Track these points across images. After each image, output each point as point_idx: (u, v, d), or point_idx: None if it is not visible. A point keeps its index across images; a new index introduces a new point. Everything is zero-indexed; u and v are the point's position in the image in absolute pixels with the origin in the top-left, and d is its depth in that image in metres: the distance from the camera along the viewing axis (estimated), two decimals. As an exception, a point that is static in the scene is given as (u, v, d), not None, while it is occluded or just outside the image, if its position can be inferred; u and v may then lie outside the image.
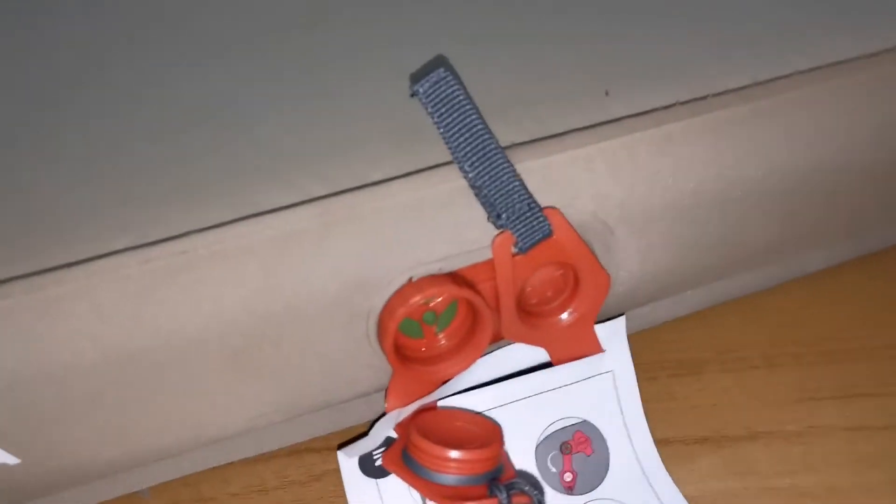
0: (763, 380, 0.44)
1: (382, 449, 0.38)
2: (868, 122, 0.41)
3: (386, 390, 0.38)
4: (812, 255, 0.48)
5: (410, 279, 0.34)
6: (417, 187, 0.35)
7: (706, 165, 0.39)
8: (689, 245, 0.41)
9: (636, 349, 0.43)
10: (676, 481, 0.40)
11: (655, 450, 0.41)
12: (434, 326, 0.37)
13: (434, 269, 0.34)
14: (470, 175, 0.34)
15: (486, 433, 0.37)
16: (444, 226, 0.34)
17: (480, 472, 0.34)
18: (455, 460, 0.34)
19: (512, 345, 0.39)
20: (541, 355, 0.40)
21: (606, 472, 0.40)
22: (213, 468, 0.41)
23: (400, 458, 0.36)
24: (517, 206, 0.34)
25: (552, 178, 0.37)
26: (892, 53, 0.41)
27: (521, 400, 0.39)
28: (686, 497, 0.40)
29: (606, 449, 0.40)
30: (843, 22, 0.41)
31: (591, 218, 0.36)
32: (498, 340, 0.38)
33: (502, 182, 0.34)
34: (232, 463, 0.41)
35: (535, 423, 0.41)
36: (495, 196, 0.33)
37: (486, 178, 0.34)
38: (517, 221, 0.34)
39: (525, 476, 0.38)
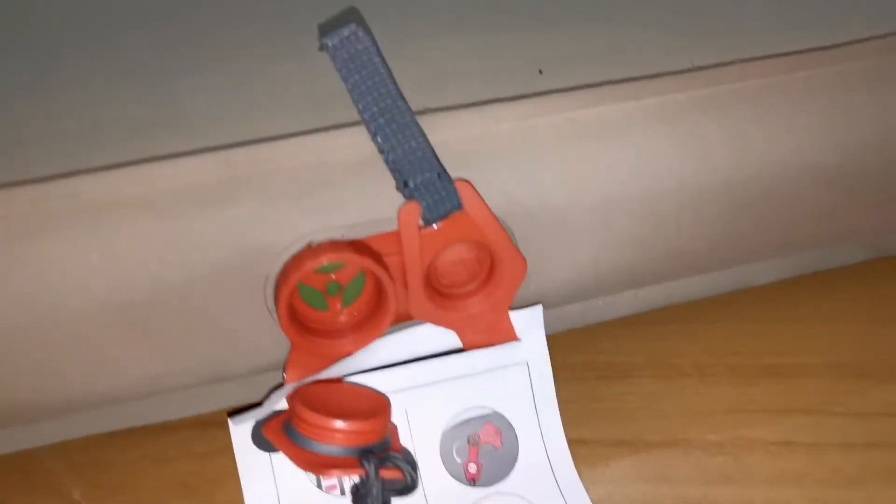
0: (693, 388, 0.43)
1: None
2: (821, 123, 0.39)
3: (285, 362, 0.37)
4: (760, 268, 0.46)
5: (310, 244, 0.33)
6: (324, 147, 0.34)
7: (643, 155, 0.37)
8: (625, 242, 0.39)
9: (566, 348, 0.43)
10: (586, 483, 0.38)
11: (567, 448, 0.39)
12: (339, 299, 0.36)
13: (337, 236, 0.33)
14: (377, 138, 0.33)
15: (371, 406, 0.35)
16: (350, 191, 0.33)
17: (360, 445, 0.33)
18: (333, 430, 0.33)
19: (422, 326, 0.37)
20: (454, 340, 0.38)
21: (513, 467, 0.38)
22: (114, 434, 0.40)
23: (282, 427, 0.34)
24: (425, 174, 0.33)
25: (471, 151, 0.36)
26: (842, 49, 0.39)
27: (430, 385, 0.38)
28: (594, 500, 0.38)
29: (516, 443, 0.38)
30: (797, 12, 0.40)
31: (510, 201, 0.35)
32: (407, 320, 0.37)
33: (410, 147, 0.33)
34: (134, 430, 0.40)
35: (442, 409, 0.39)
36: (402, 162, 0.32)
37: (394, 141, 0.33)
38: (424, 191, 0.33)
39: (406, 454, 0.36)
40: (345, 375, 0.37)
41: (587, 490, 0.38)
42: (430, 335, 0.37)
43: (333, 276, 0.35)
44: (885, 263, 0.48)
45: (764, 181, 0.38)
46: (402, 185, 0.32)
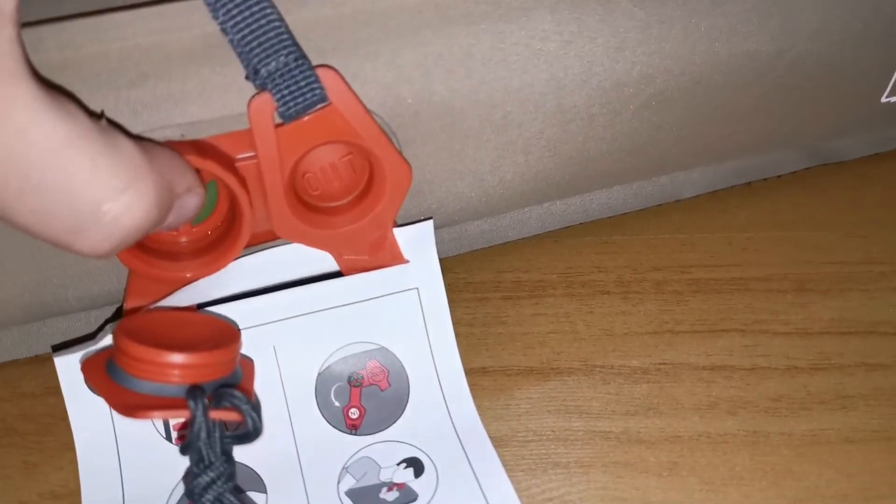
0: (614, 307, 0.38)
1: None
2: (753, 5, 0.34)
3: (125, 289, 0.32)
4: (688, 177, 0.42)
5: None
6: (155, 27, 0.28)
7: (547, 42, 0.32)
8: (530, 144, 0.34)
9: (468, 266, 0.39)
10: (488, 418, 0.34)
11: (465, 384, 0.34)
12: None
13: (175, 136, 0.28)
14: (218, 13, 0.27)
15: (214, 337, 0.29)
16: (191, 81, 0.28)
17: (193, 382, 0.27)
18: (158, 364, 0.27)
19: (290, 246, 0.33)
20: (329, 263, 0.34)
21: (402, 411, 0.34)
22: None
23: (104, 363, 0.29)
24: (280, 58, 0.27)
25: (339, 34, 0.29)
26: None
27: (301, 317, 0.33)
28: (496, 438, 0.33)
29: (406, 382, 0.34)
30: None
31: (388, 94, 0.30)
32: (271, 240, 0.33)
33: (259, 26, 0.27)
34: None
35: (317, 346, 0.33)
36: (250, 44, 0.27)
37: (238, 18, 0.27)
38: (279, 80, 0.28)
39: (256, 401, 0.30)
40: (198, 306, 0.32)
41: (489, 427, 0.33)
42: (301, 257, 0.33)
43: None
44: (827, 170, 0.44)
45: (687, 73, 0.34)
46: (252, 74, 0.27)
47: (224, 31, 0.27)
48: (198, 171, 0.27)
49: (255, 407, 0.27)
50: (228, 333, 0.30)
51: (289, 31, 0.27)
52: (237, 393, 0.27)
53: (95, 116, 0.23)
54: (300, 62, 0.27)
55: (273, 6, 0.27)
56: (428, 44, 0.30)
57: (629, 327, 0.38)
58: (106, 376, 0.28)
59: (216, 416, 0.27)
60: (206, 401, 0.27)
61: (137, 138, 0.25)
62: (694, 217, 0.42)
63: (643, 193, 0.41)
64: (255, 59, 0.27)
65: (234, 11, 0.26)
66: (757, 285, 0.39)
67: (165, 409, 0.26)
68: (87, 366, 0.29)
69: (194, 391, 0.27)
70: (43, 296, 0.32)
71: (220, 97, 0.28)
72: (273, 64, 0.27)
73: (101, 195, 0.22)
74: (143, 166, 0.23)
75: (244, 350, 0.32)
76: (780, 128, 0.39)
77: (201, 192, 0.27)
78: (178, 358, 0.27)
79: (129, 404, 0.26)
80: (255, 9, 0.27)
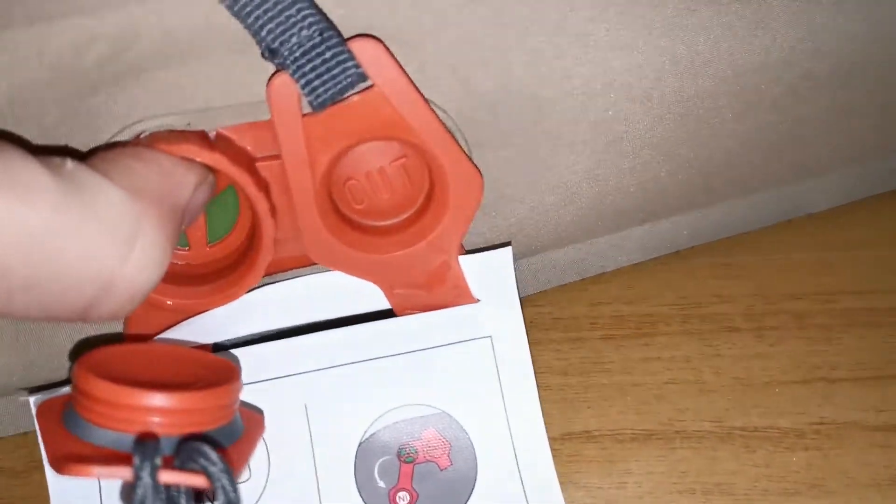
0: (747, 349, 0.32)
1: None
2: None
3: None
4: (822, 184, 0.35)
5: (139, 136, 0.24)
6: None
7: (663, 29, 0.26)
8: (637, 146, 0.28)
9: (555, 297, 0.33)
10: (599, 500, 0.28)
11: (552, 465, 0.27)
12: (202, 230, 0.26)
13: (180, 123, 0.24)
14: None
15: (206, 377, 0.23)
16: (204, 61, 0.23)
17: (160, 431, 0.21)
18: (115, 406, 0.21)
19: (328, 274, 0.27)
20: (377, 299, 0.28)
21: (467, 500, 0.27)
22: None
23: (63, 405, 0.23)
24: (301, 32, 0.22)
25: (398, 4, 0.23)
26: None
27: (340, 367, 0.27)
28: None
29: (473, 460, 0.27)
30: None
31: (457, 81, 0.25)
32: (303, 265, 0.27)
33: None
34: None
35: (359, 407, 0.27)
36: (261, 20, 0.22)
37: None
38: (302, 59, 0.22)
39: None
40: (214, 348, 0.27)
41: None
42: (341, 290, 0.27)
43: None
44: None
45: (840, 50, 0.28)
46: (268, 54, 0.22)
47: (228, 7, 0.22)
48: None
49: (231, 474, 0.20)
50: (223, 374, 0.24)
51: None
52: (209, 451, 0.20)
53: (54, 162, 0.19)
54: (326, 34, 0.22)
55: None
56: (506, 14, 0.24)
57: (770, 375, 0.31)
58: (59, 420, 0.22)
59: (171, 481, 0.20)
60: (159, 459, 0.20)
61: (117, 147, 0.22)
62: (831, 230, 0.36)
63: (766, 208, 0.35)
64: (270, 37, 0.22)
65: None
66: None
67: (105, 464, 0.20)
68: (45, 407, 0.23)
69: (144, 444, 0.20)
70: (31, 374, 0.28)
71: (239, 78, 0.23)
72: (294, 39, 0.22)
73: (103, 267, 0.19)
74: (136, 209, 0.20)
75: (270, 406, 0.27)
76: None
77: (211, 179, 0.23)
78: (138, 398, 0.20)
79: (65, 456, 0.20)
80: None
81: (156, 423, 0.21)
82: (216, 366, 0.24)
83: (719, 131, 0.29)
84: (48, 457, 0.21)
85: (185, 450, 0.21)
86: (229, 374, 0.23)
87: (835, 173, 0.35)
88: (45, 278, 0.19)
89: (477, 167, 0.26)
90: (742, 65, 0.27)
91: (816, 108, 0.30)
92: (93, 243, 0.19)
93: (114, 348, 0.24)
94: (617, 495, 0.29)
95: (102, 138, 0.24)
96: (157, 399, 0.21)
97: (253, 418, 0.25)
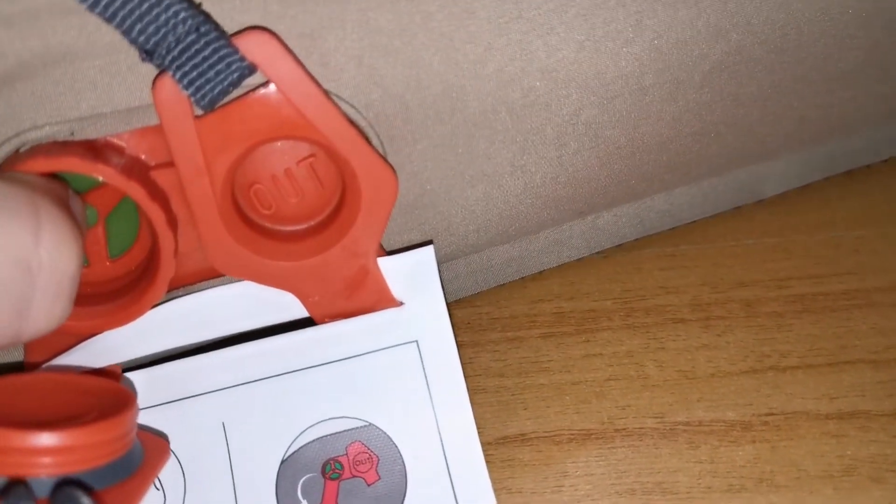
0: (692, 340, 0.31)
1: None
2: None
3: None
4: (771, 168, 0.34)
5: (18, 150, 0.22)
6: None
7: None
8: (566, 133, 0.27)
9: (494, 297, 0.32)
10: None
11: (486, 475, 0.25)
12: (102, 244, 0.25)
13: (63, 132, 0.22)
14: None
15: (97, 408, 0.21)
16: (85, 65, 0.22)
17: (35, 472, 0.19)
18: None
19: (238, 284, 0.26)
20: (293, 308, 0.26)
21: None
22: None
23: None
24: (177, 30, 0.21)
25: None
26: None
27: (257, 382, 0.26)
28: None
29: (403, 473, 0.26)
30: None
31: (363, 75, 0.23)
32: (212, 277, 0.26)
33: None
34: None
35: (279, 423, 0.26)
36: (132, 18, 0.20)
37: None
38: (181, 56, 0.21)
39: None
40: (115, 365, 0.25)
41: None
42: (254, 301, 0.26)
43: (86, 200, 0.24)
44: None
45: (774, 21, 0.27)
46: (145, 56, 0.21)
47: (89, 8, 0.20)
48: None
49: None
50: (117, 403, 0.22)
51: None
52: (81, 496, 0.19)
53: None
54: (203, 28, 0.21)
55: None
56: (426, 7, 0.23)
57: (717, 366, 0.30)
58: None
59: None
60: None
61: None
62: (783, 215, 0.34)
63: (714, 195, 0.33)
64: (142, 38, 0.21)
65: None
66: (881, 298, 0.32)
67: None
68: None
69: (11, 489, 0.19)
70: None
71: (126, 81, 0.22)
72: (170, 38, 0.21)
73: (19, 248, 0.19)
74: (27, 193, 0.19)
75: (184, 426, 0.25)
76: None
77: (76, 198, 0.22)
78: (2, 439, 0.19)
79: None
80: None
81: (30, 464, 0.19)
82: (110, 394, 0.23)
83: (648, 113, 0.27)
84: None
85: (58, 496, 0.19)
86: (123, 403, 0.22)
87: (782, 157, 0.34)
88: None
89: (390, 164, 0.24)
90: (666, 42, 0.26)
91: (752, 86, 0.28)
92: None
93: (7, 379, 0.22)
94: (553, 500, 0.27)
95: (-23, 153, 0.22)
96: (31, 439, 0.19)
97: (156, 445, 0.24)
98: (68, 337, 0.25)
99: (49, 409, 0.21)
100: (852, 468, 0.28)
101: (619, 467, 0.28)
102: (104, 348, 0.25)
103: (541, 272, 0.33)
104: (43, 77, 0.21)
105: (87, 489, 0.19)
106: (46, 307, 0.19)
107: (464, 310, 0.31)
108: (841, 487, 0.27)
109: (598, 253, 0.33)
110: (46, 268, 0.19)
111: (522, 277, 0.33)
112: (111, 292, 0.25)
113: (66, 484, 0.19)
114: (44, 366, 0.25)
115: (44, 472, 0.19)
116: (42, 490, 0.19)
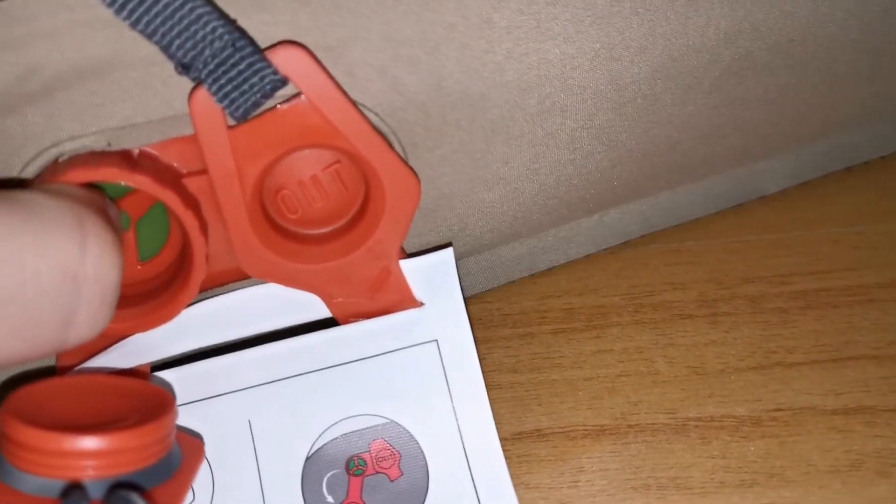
0: (701, 336, 0.31)
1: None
2: None
3: None
4: (771, 166, 0.34)
5: (57, 159, 0.22)
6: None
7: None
8: (581, 135, 0.27)
9: (503, 293, 0.32)
10: (552, 501, 0.27)
11: (506, 469, 0.26)
12: (133, 249, 0.25)
13: (100, 143, 0.23)
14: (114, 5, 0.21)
15: (138, 411, 0.22)
16: (120, 77, 0.22)
17: (88, 475, 0.20)
18: (35, 450, 0.19)
19: (265, 286, 0.26)
20: (317, 308, 0.27)
21: None
22: None
23: None
24: (214, 45, 0.21)
25: (321, 6, 0.22)
26: None
27: (282, 381, 0.26)
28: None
29: (424, 469, 0.26)
30: None
31: (386, 82, 0.24)
32: (239, 279, 0.26)
33: (175, 12, 0.21)
34: None
35: (304, 421, 0.26)
36: (171, 34, 0.21)
37: (142, 10, 0.21)
38: (217, 70, 0.21)
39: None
40: (144, 365, 0.26)
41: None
42: (279, 302, 0.26)
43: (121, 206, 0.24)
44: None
45: (781, 26, 0.27)
46: (182, 69, 0.21)
47: (117, 12, 0.21)
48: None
49: None
50: (156, 404, 0.22)
51: (217, 9, 0.21)
52: (135, 498, 0.19)
53: None
54: (239, 44, 0.21)
55: None
56: (434, 10, 0.23)
57: (726, 362, 0.30)
58: None
59: None
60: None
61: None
62: (784, 211, 0.34)
63: (716, 192, 0.34)
64: (180, 53, 0.21)
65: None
66: (882, 294, 0.32)
67: None
68: None
69: (70, 492, 0.19)
70: None
71: (160, 92, 0.22)
72: (206, 52, 0.21)
73: (65, 260, 0.19)
74: (70, 205, 0.19)
75: (212, 425, 0.25)
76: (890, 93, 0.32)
77: (113, 206, 0.22)
78: (58, 443, 0.19)
79: None
80: None
81: (83, 466, 0.20)
82: (149, 395, 0.23)
83: (659, 117, 0.28)
84: None
85: (113, 498, 0.20)
86: (163, 405, 0.22)
87: (783, 155, 0.34)
88: (9, 289, 0.18)
89: (412, 169, 0.24)
90: (677, 49, 0.26)
91: (758, 89, 0.29)
92: (47, 237, 0.19)
93: (40, 385, 0.22)
94: (570, 494, 0.27)
95: (16, 163, 0.22)
96: (84, 442, 0.19)
97: (191, 445, 0.24)
98: (101, 339, 0.25)
99: (93, 412, 0.21)
100: (859, 463, 0.28)
101: (634, 462, 0.28)
102: (135, 349, 0.25)
103: (550, 269, 0.33)
104: (80, 88, 0.22)
105: (140, 490, 0.20)
106: (91, 316, 0.20)
107: (475, 306, 0.31)
108: (848, 482, 0.27)
109: (605, 250, 0.33)
110: (91, 278, 0.19)
111: (532, 274, 0.33)
112: (141, 294, 0.25)
113: (119, 486, 0.20)
114: (76, 368, 0.25)
115: (95, 475, 0.20)
116: (97, 492, 0.20)
